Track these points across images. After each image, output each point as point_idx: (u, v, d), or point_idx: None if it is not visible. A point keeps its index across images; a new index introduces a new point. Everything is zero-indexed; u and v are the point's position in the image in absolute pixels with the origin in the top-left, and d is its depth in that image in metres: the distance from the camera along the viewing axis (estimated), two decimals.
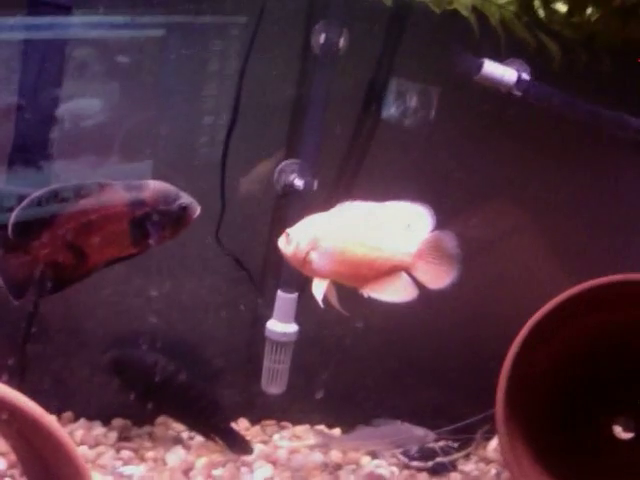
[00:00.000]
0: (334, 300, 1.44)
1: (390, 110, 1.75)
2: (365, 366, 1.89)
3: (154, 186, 1.42)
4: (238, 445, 1.75)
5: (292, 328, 1.67)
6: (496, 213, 1.87)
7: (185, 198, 1.42)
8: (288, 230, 1.43)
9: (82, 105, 1.59)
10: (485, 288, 1.85)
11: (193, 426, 1.77)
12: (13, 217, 1.37)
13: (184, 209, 1.41)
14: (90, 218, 1.39)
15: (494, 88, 1.65)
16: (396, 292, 1.41)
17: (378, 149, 1.75)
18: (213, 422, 1.75)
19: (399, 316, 1.72)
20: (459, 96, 1.74)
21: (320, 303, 1.40)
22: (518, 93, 1.65)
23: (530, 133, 1.79)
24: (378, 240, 1.41)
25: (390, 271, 1.41)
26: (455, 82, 1.71)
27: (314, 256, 1.42)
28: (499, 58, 1.65)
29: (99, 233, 1.40)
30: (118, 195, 1.40)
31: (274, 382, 1.68)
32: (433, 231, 1.41)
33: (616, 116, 1.66)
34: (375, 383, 1.90)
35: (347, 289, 1.45)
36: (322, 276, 1.43)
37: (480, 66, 1.63)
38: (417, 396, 1.89)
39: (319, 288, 1.42)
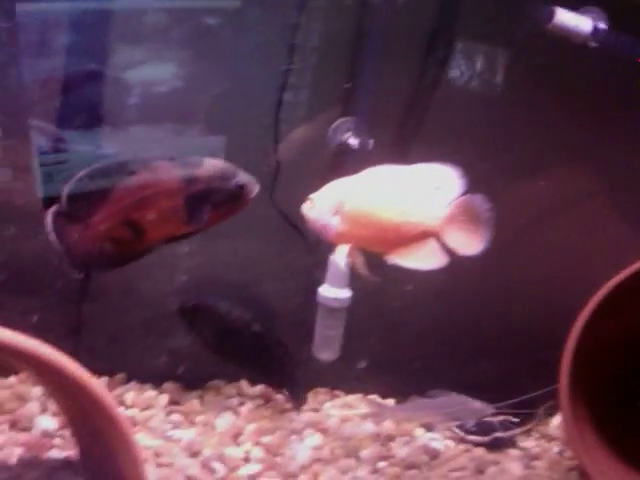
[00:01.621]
0: (361, 267, 1.38)
1: (455, 68, 1.65)
2: (423, 333, 1.82)
3: (211, 163, 1.42)
4: (299, 399, 1.74)
5: (345, 294, 1.61)
6: (565, 177, 1.76)
7: (242, 176, 1.41)
8: (311, 195, 1.37)
9: (153, 72, 1.58)
10: (555, 254, 1.75)
11: (264, 376, 1.77)
12: (66, 189, 1.39)
13: (241, 188, 1.40)
14: (145, 193, 1.40)
15: (568, 42, 1.53)
16: (424, 259, 1.33)
17: (439, 107, 1.65)
18: (286, 372, 1.74)
19: (459, 280, 1.65)
20: (529, 51, 1.62)
21: (343, 269, 1.35)
22: (594, 44, 1.52)
23: (606, 93, 1.66)
24: (405, 204, 1.33)
25: (418, 237, 1.33)
26: (526, 34, 1.59)
27: (338, 221, 1.35)
28: (573, 6, 1.53)
29: (155, 209, 1.41)
30: (173, 171, 1.41)
31: (326, 349, 1.64)
32: (464, 194, 1.31)
33: None
34: (433, 352, 1.83)
35: None
36: (347, 242, 1.37)
37: (552, 14, 1.51)
38: (477, 367, 1.82)
39: (341, 254, 1.36)
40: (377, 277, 1.41)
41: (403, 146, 1.66)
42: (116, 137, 1.56)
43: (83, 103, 1.53)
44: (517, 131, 1.70)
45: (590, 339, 1.52)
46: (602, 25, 1.52)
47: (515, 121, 1.69)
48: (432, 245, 1.33)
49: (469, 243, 1.32)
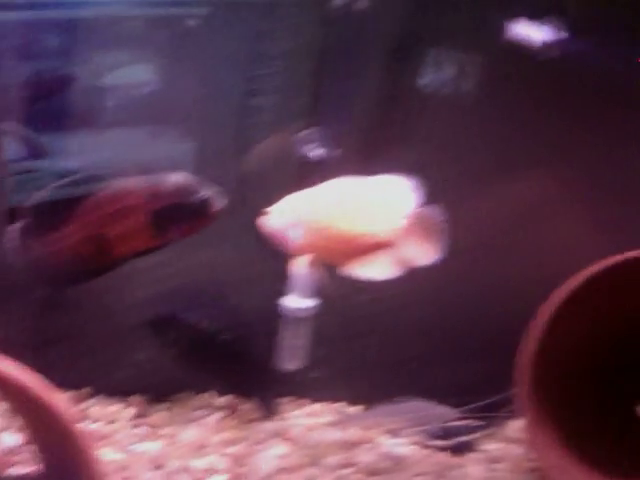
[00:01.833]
0: (322, 278, 1.41)
1: (425, 76, 1.66)
2: (390, 340, 1.83)
3: (175, 178, 1.43)
4: (269, 408, 1.76)
5: (309, 303, 1.62)
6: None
7: (207, 191, 1.41)
8: (269, 208, 1.40)
9: (125, 77, 1.58)
10: (529, 257, 1.75)
11: (235, 385, 1.78)
12: (32, 201, 1.38)
13: (204, 202, 1.39)
14: (110, 209, 1.41)
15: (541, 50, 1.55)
16: (379, 269, 1.37)
17: (410, 115, 1.66)
18: (257, 381, 1.75)
19: (428, 286, 1.66)
20: (503, 58, 1.62)
21: (301, 280, 1.40)
22: (552, 53, 1.54)
23: (583, 101, 1.67)
24: (362, 216, 1.37)
25: (374, 248, 1.37)
26: (498, 41, 1.59)
27: (295, 233, 1.37)
28: (533, 17, 1.55)
29: (120, 224, 1.42)
30: (138, 186, 1.42)
31: (290, 358, 1.64)
32: (419, 206, 1.35)
33: None
34: (402, 358, 1.84)
35: None
36: (306, 253, 1.40)
37: (504, 27, 1.54)
38: (447, 372, 1.81)
39: (301, 265, 1.39)
40: (339, 286, 1.43)
41: (372, 156, 1.68)
42: (89, 143, 1.56)
43: (49, 111, 1.53)
44: (492, 140, 1.69)
45: (555, 338, 1.52)
46: (560, 34, 1.54)
47: (490, 130, 1.69)
48: (387, 256, 1.36)
49: (423, 254, 1.35)
